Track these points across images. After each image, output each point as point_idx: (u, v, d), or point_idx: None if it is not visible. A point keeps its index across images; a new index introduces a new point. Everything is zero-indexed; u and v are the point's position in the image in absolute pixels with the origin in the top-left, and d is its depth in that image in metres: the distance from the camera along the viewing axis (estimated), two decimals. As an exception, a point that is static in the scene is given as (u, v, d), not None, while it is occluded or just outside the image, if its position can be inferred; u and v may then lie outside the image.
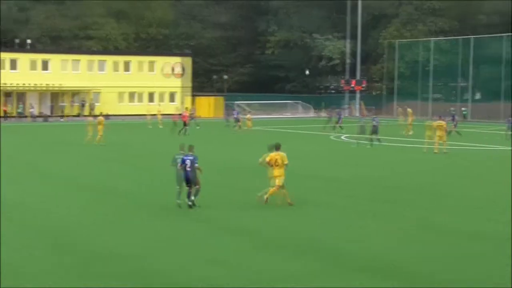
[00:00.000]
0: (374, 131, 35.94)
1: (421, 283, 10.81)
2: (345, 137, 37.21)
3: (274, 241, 13.65)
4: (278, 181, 17.27)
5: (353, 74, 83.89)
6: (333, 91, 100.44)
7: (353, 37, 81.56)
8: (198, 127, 49.95)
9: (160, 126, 52.31)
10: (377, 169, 26.05)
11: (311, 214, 16.65)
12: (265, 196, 17.37)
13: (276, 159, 17.20)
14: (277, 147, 17.62)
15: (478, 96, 74.00)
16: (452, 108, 63.00)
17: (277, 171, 17.28)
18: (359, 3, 78.78)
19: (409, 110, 47.99)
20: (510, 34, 66.47)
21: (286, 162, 17.26)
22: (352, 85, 78.43)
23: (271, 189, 17.40)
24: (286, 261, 12.05)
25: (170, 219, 15.74)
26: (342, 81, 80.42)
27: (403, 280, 10.79)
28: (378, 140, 35.79)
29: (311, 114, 77.85)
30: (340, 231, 14.59)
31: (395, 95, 76.60)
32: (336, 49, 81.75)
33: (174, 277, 10.95)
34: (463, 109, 62.76)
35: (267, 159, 17.49)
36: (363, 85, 78.66)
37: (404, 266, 11.68)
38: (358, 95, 78.48)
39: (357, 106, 78.03)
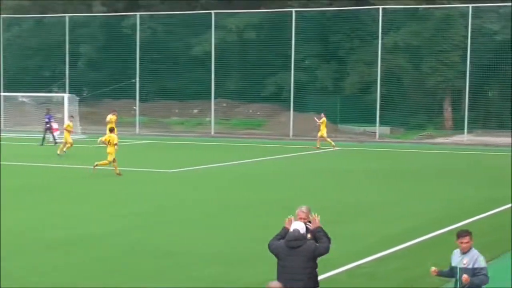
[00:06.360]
0: None
1: None
2: None
3: None
4: (109, 157, 28.77)
5: None
6: None
7: None
8: None
9: None
10: None
11: None
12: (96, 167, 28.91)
13: (109, 140, 29.08)
14: (110, 130, 30.54)
15: None
16: None
17: (109, 149, 28.85)
18: None
19: None
20: None
21: (115, 142, 28.85)
22: None
23: (104, 162, 28.87)
24: None
25: None
26: None
27: None
28: None
29: None
30: None
31: None
32: None
33: None
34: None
35: (103, 139, 29.97)
36: None
37: None
38: None
39: None
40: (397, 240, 17.58)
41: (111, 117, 40.86)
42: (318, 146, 42.75)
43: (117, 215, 20.78)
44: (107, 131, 33.82)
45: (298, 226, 10.26)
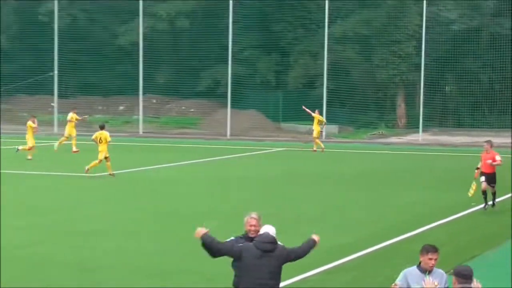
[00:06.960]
0: None
1: None
2: None
3: None
4: (100, 155, 29.17)
5: None
6: None
7: None
8: None
9: None
10: None
11: None
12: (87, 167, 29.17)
13: (100, 138, 29.33)
14: (101, 127, 30.13)
15: None
16: None
17: (100, 147, 29.27)
18: None
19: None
20: None
21: (108, 139, 29.32)
22: None
23: (94, 162, 29.26)
24: None
25: None
26: None
27: None
28: None
29: None
30: None
31: None
32: None
33: None
34: None
35: (93, 136, 29.89)
36: None
37: None
38: None
39: None
40: (347, 250, 17.53)
41: (71, 115, 41.25)
42: (320, 148, 41.63)
43: (31, 226, 20.30)
44: (68, 131, 39.89)
45: (268, 229, 10.25)
